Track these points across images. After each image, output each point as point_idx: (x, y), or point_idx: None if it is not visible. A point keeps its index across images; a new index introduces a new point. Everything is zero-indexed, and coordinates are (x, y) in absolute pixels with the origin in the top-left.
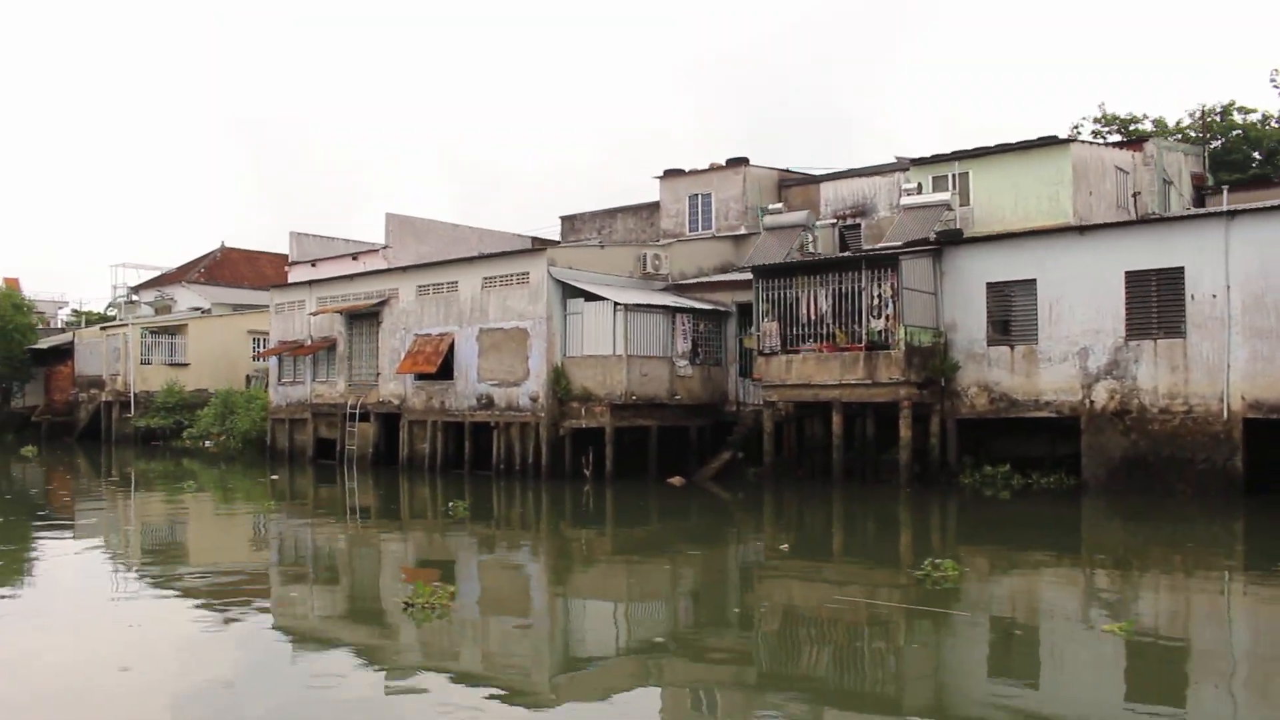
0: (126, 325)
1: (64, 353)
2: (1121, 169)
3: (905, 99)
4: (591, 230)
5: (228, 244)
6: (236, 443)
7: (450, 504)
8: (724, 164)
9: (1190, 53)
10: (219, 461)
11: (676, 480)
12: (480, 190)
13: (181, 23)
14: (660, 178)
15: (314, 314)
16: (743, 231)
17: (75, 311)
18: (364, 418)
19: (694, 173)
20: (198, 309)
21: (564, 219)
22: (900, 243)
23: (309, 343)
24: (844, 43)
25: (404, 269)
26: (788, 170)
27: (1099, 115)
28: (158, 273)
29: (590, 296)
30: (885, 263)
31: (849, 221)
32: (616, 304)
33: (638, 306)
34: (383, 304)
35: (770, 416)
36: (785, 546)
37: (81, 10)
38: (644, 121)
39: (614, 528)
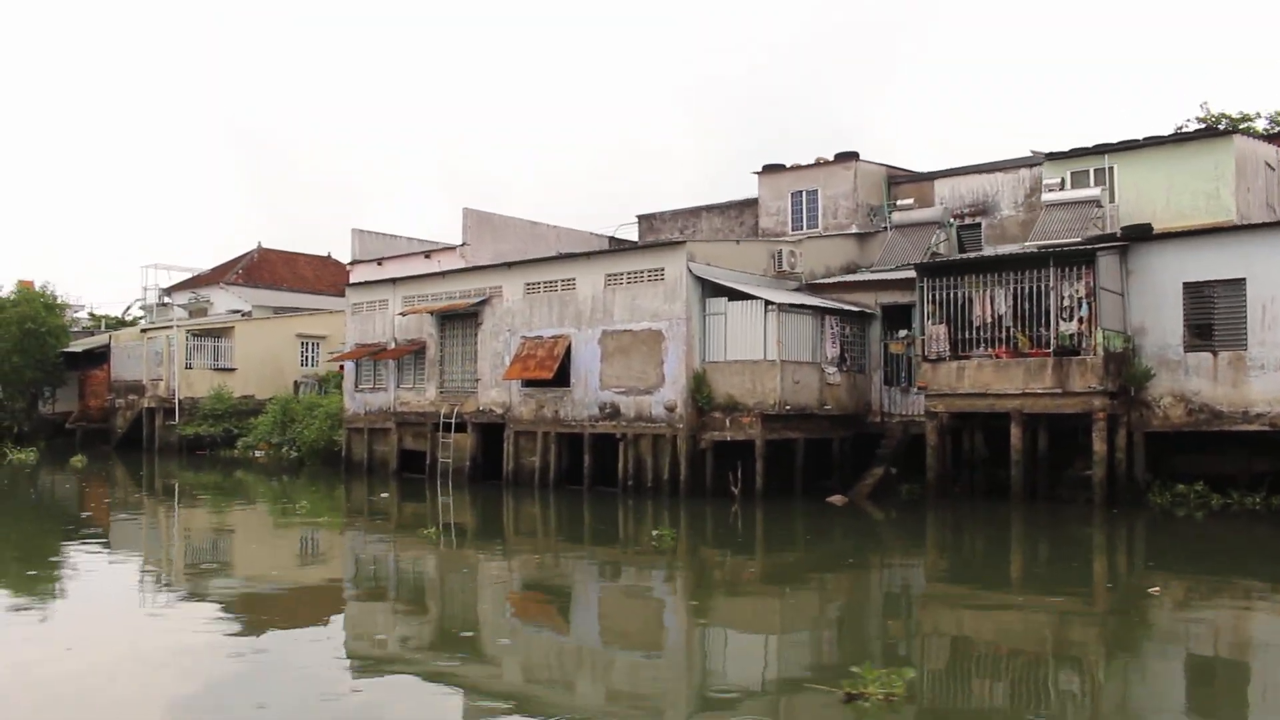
0: (170, 328)
1: (98, 356)
2: (1270, 165)
3: (905, 112)
4: (673, 230)
5: (262, 245)
6: (292, 453)
7: (656, 533)
8: (831, 159)
9: (1189, 54)
10: (276, 473)
11: (837, 499)
12: (478, 200)
13: (173, 23)
14: (759, 173)
15: (402, 314)
16: (854, 230)
17: (92, 315)
18: (460, 428)
19: (797, 168)
20: (237, 311)
21: (641, 218)
22: (1044, 243)
23: (393, 345)
24: (843, 57)
25: (508, 265)
26: (895, 166)
27: (1202, 115)
28: (189, 274)
29: (735, 295)
30: (1078, 259)
31: (967, 221)
32: (769, 303)
33: (790, 307)
34: (483, 303)
35: (934, 429)
36: (1156, 590)
37: (74, 11)
38: (642, 133)
39: (868, 556)
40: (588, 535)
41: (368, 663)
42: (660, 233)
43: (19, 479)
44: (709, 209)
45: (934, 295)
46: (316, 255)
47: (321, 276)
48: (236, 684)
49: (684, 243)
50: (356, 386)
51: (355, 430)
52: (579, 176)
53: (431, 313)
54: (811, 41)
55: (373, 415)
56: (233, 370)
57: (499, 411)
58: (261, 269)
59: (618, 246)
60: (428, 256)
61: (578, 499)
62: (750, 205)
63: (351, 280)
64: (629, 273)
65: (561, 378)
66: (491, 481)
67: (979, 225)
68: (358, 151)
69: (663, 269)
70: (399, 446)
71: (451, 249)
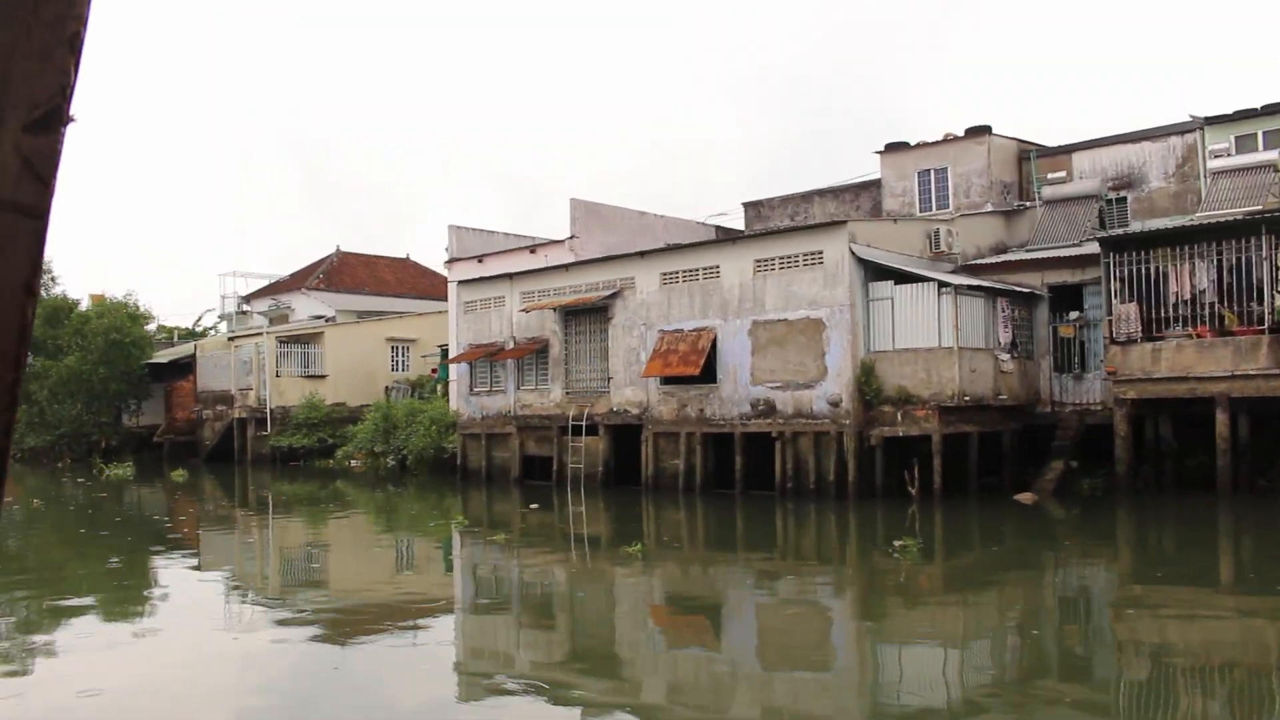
0: (259, 334)
1: (183, 367)
2: None
3: (949, 102)
4: (783, 216)
5: (342, 249)
6: (390, 462)
7: (897, 543)
8: (962, 134)
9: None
10: (379, 484)
11: (1026, 497)
12: (528, 201)
13: (215, 31)
14: (881, 152)
15: (524, 310)
16: (989, 208)
17: (162, 327)
18: (590, 430)
19: (923, 146)
20: (320, 317)
21: (747, 205)
22: (1216, 214)
23: (512, 345)
24: (888, 47)
25: (641, 254)
26: (1027, 140)
27: None
28: (265, 281)
29: (903, 277)
30: None
31: (1111, 195)
32: (944, 285)
33: (966, 289)
34: (614, 296)
35: (1123, 417)
36: None
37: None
38: (687, 132)
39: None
40: (807, 546)
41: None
42: (769, 220)
43: (124, 495)
44: (821, 193)
45: (1121, 271)
46: (396, 258)
47: (402, 279)
48: None
49: (844, 222)
50: (471, 390)
51: (471, 436)
52: (619, 181)
53: (555, 308)
54: (859, 27)
55: (490, 420)
56: (323, 377)
57: (635, 412)
58: (342, 273)
59: (764, 231)
60: (533, 251)
61: (729, 504)
62: (867, 188)
63: (451, 278)
64: (781, 257)
65: (706, 373)
66: (626, 487)
67: (1124, 199)
68: (406, 154)
69: (821, 252)
70: (520, 452)
71: (559, 242)
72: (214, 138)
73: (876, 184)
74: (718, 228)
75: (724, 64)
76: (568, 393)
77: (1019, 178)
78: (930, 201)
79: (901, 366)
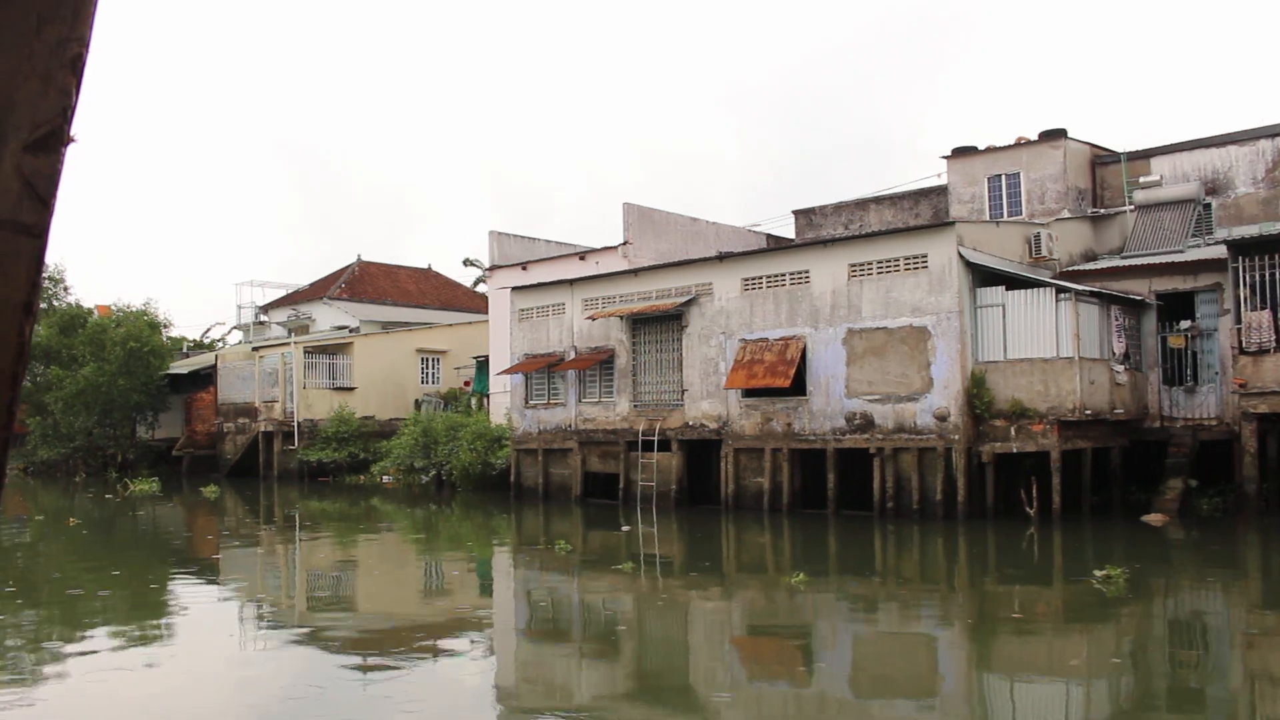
0: (286, 344)
1: (203, 378)
2: None
3: (948, 119)
4: (836, 225)
5: (364, 258)
6: (422, 478)
7: (1102, 572)
8: (1035, 138)
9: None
10: (418, 501)
11: (1156, 518)
12: (526, 215)
13: (208, 41)
14: (948, 157)
15: (591, 318)
16: (1066, 215)
17: (170, 339)
18: (662, 446)
19: (993, 150)
20: (343, 327)
21: (798, 213)
22: None
23: (574, 355)
24: (886, 65)
25: (720, 258)
26: (1100, 145)
27: None
28: (283, 291)
29: (1016, 282)
30: None
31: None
32: (1062, 291)
33: (1086, 295)
34: (689, 303)
35: (1253, 432)
36: None
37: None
38: (687, 145)
39: None
40: (980, 575)
41: None
42: (821, 229)
43: (158, 512)
44: (878, 200)
45: (1250, 277)
46: (417, 268)
47: (425, 290)
48: None
49: (953, 223)
50: (527, 403)
51: (526, 452)
52: (620, 195)
53: (623, 316)
54: (858, 46)
55: (548, 434)
56: (352, 389)
57: (712, 426)
58: (364, 283)
59: (861, 233)
60: (583, 258)
61: (823, 525)
62: (927, 195)
63: (492, 286)
64: (880, 261)
65: (795, 385)
66: (702, 506)
67: (1208, 205)
68: (403, 164)
69: (925, 255)
70: (583, 469)
71: (612, 249)
72: (211, 143)
73: (938, 191)
74: (768, 236)
75: (724, 75)
76: (635, 405)
77: (1093, 184)
78: (1001, 208)
79: (1015, 378)
